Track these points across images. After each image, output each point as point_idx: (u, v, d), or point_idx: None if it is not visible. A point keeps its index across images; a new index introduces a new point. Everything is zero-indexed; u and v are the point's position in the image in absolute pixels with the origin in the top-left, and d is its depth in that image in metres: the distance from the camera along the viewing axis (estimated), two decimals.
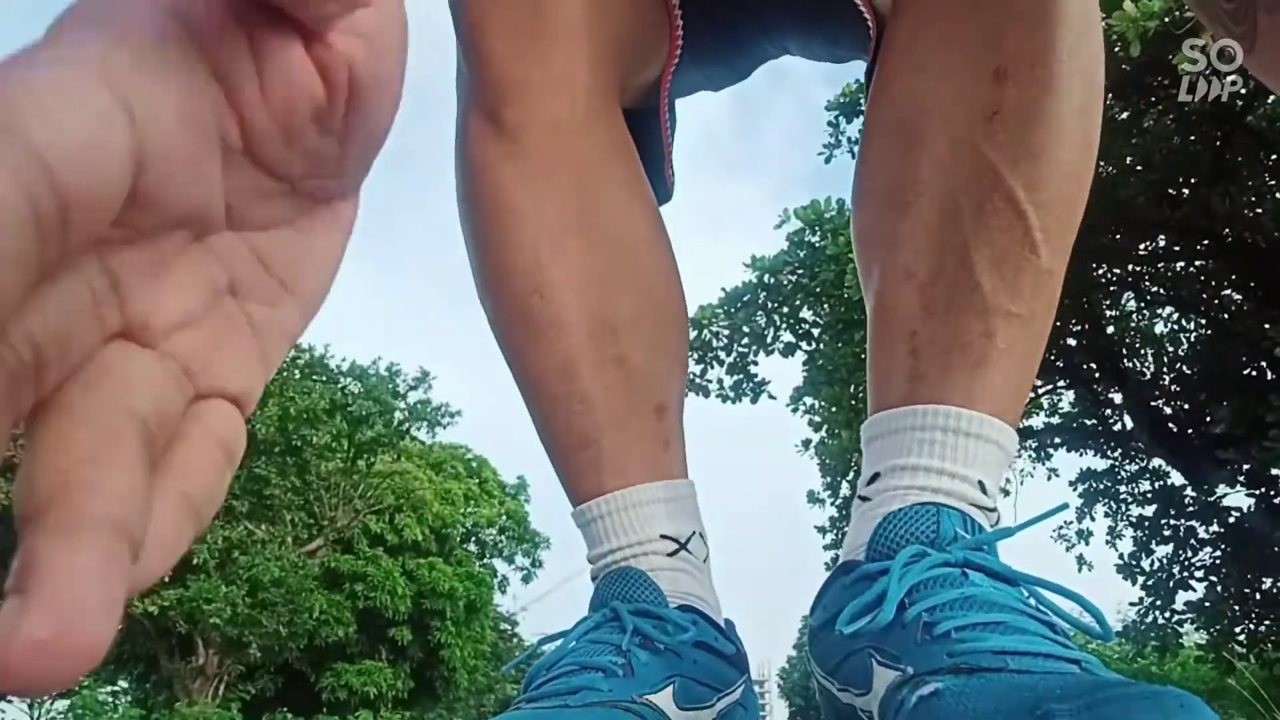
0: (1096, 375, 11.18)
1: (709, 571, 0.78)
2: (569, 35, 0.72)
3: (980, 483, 0.64)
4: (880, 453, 0.69)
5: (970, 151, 0.65)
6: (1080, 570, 11.50)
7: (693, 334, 10.22)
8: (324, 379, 21.90)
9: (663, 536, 0.74)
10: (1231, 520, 10.03)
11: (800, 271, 9.25)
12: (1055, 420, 12.34)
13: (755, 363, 10.16)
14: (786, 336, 10.01)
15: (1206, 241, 9.06)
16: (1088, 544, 11.50)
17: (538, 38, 0.71)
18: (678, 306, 0.81)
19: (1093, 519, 11.57)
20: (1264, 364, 9.25)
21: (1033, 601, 0.59)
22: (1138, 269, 10.37)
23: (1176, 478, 10.90)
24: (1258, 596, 9.86)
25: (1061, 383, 11.76)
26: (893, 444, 0.68)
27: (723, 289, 9.86)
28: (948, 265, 0.65)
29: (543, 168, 0.73)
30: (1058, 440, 12.13)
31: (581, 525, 0.77)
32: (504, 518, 29.61)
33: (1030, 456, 12.43)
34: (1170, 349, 11.51)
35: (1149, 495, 11.17)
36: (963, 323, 0.65)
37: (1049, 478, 12.35)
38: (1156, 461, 11.25)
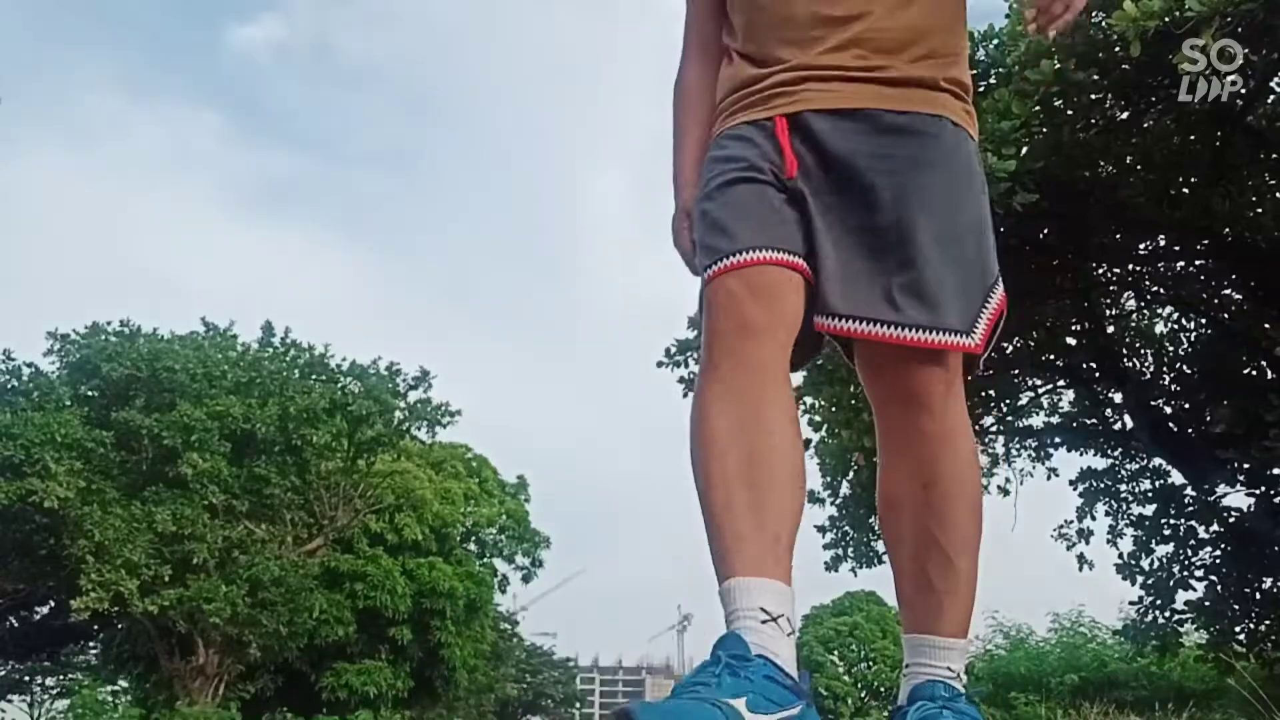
0: (1096, 375, 11.17)
1: (793, 643, 1.24)
2: (768, 331, 1.33)
3: (949, 667, 1.39)
4: (916, 651, 1.43)
5: (922, 510, 1.41)
6: (1080, 569, 11.50)
7: (693, 334, 10.21)
8: (324, 379, 21.87)
9: (761, 608, 1.21)
10: (1231, 520, 10.03)
11: None
12: (1055, 420, 12.34)
13: None
14: None
15: (1206, 241, 9.05)
16: (1088, 543, 11.49)
17: (751, 334, 1.32)
18: (799, 481, 1.33)
19: (1093, 518, 11.56)
20: (1264, 364, 9.25)
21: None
22: (1138, 269, 10.37)
23: (1176, 477, 10.90)
24: (1258, 596, 9.85)
25: (1061, 383, 11.75)
26: (920, 650, 1.42)
27: None
28: (933, 562, 1.41)
29: (735, 394, 1.31)
30: (1058, 440, 12.12)
31: (722, 592, 1.25)
32: (504, 517, 29.61)
33: (1030, 456, 12.42)
34: (1170, 349, 11.50)
35: (1149, 495, 11.17)
36: (951, 588, 1.41)
37: (1049, 477, 12.35)
38: (1156, 461, 11.24)
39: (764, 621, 1.20)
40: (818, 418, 10.86)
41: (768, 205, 1.37)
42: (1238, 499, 9.97)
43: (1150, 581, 10.36)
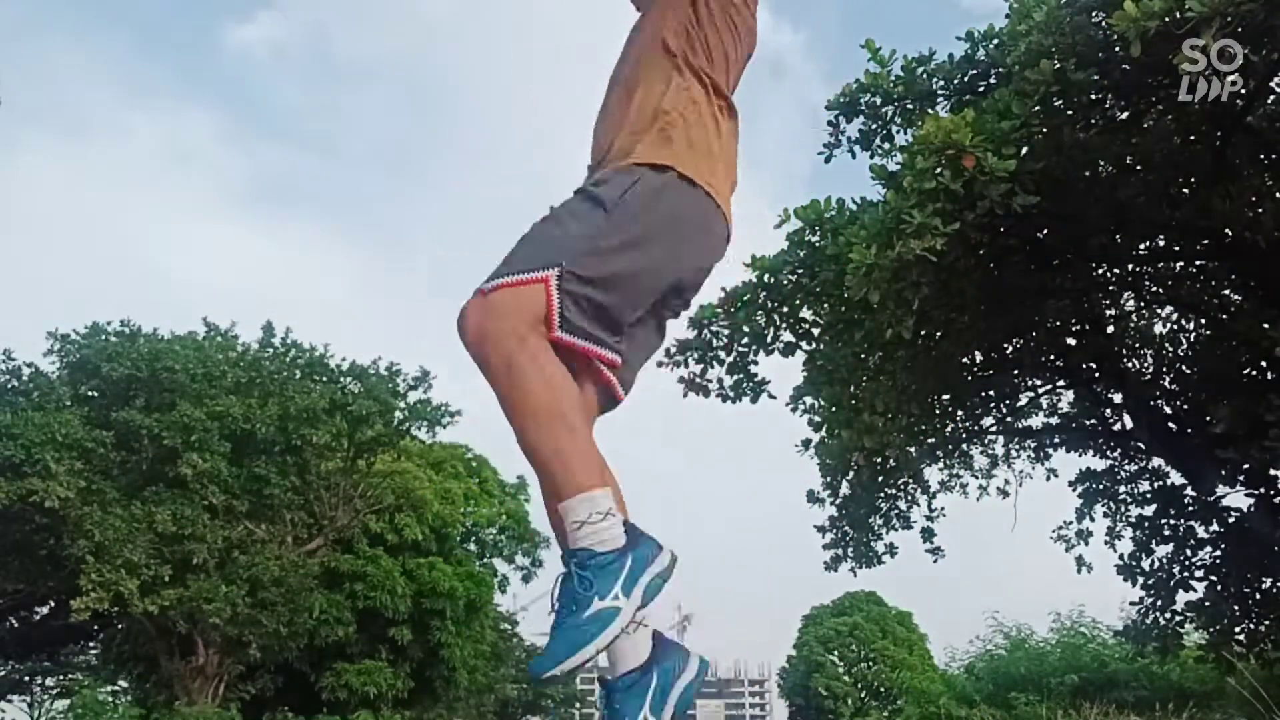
0: (1096, 375, 11.16)
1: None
2: None
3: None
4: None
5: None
6: (1079, 571, 11.49)
7: (692, 334, 10.20)
8: (324, 379, 21.85)
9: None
10: (1231, 520, 10.03)
11: (800, 271, 9.23)
12: (1055, 420, 12.33)
13: (755, 362, 10.14)
14: (786, 336, 9.98)
15: (1206, 241, 9.05)
16: (1087, 544, 11.49)
17: None
18: None
19: (1092, 519, 11.56)
20: (1264, 364, 9.25)
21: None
22: (1138, 269, 10.36)
23: (1176, 478, 10.90)
24: (1258, 596, 9.86)
25: (1061, 383, 11.75)
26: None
27: (723, 289, 9.82)
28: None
29: None
30: (1057, 440, 12.11)
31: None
32: (504, 517, 29.59)
33: (1030, 457, 12.41)
34: (1170, 349, 11.49)
35: (1148, 495, 11.16)
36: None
37: (1048, 478, 12.34)
38: (1156, 461, 11.23)
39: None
40: (817, 418, 10.86)
41: None
42: (1238, 499, 9.98)
43: (1150, 582, 10.37)
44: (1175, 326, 11.43)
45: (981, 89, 8.30)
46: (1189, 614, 10.09)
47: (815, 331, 9.93)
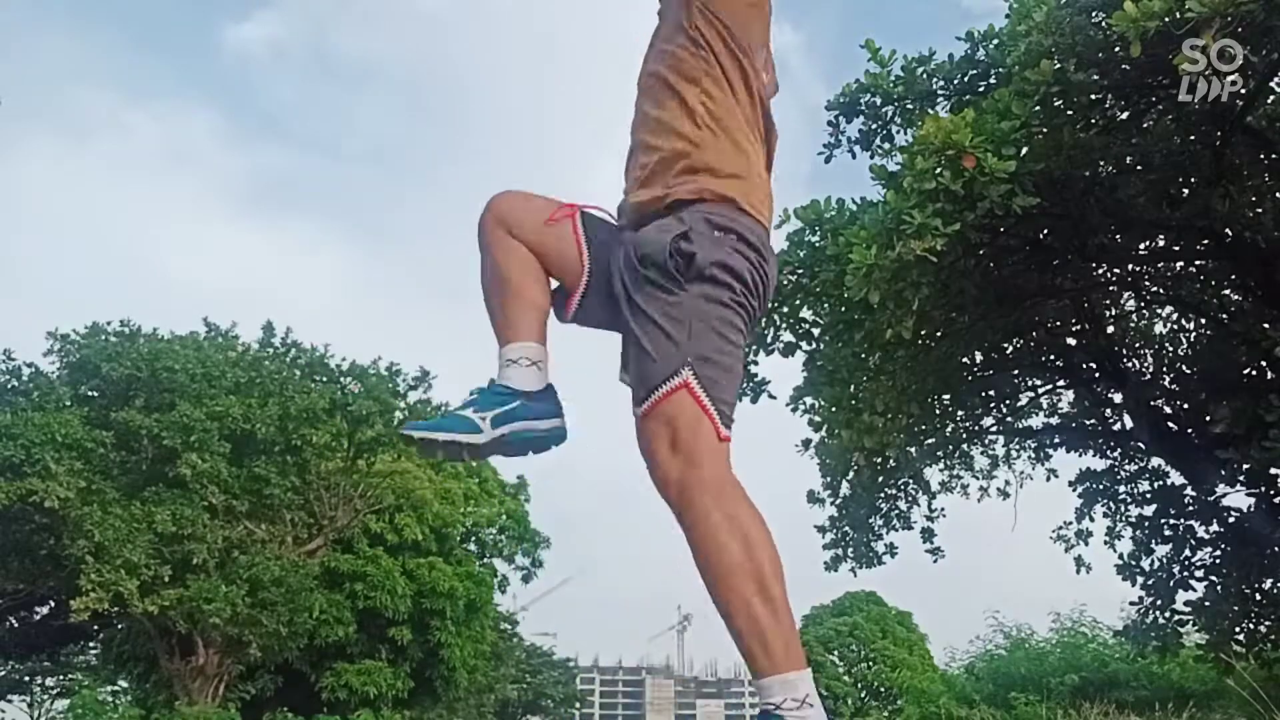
0: (1096, 375, 11.17)
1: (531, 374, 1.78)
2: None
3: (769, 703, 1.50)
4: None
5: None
6: (1078, 572, 11.49)
7: None
8: (324, 379, 21.86)
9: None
10: (1231, 520, 10.02)
11: (800, 271, 9.22)
12: (1055, 420, 12.33)
13: (755, 363, 10.14)
14: (786, 336, 9.98)
15: (1206, 241, 9.05)
16: (1086, 544, 11.49)
17: None
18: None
19: (1092, 519, 11.55)
20: (1264, 364, 9.25)
21: None
22: (1138, 269, 10.36)
23: (1176, 477, 10.89)
24: (1257, 596, 9.85)
25: (1061, 383, 11.74)
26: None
27: None
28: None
29: None
30: (1057, 440, 12.10)
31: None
32: (504, 517, 29.59)
33: (1030, 457, 12.41)
34: (1170, 349, 11.49)
35: (1148, 495, 11.16)
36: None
37: (1048, 478, 12.34)
38: (1156, 461, 11.23)
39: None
40: (818, 418, 10.84)
41: None
42: (1238, 499, 9.98)
43: (1150, 582, 10.36)
44: (1175, 326, 11.43)
45: (981, 89, 8.30)
46: (1189, 614, 10.09)
47: (815, 331, 9.92)
